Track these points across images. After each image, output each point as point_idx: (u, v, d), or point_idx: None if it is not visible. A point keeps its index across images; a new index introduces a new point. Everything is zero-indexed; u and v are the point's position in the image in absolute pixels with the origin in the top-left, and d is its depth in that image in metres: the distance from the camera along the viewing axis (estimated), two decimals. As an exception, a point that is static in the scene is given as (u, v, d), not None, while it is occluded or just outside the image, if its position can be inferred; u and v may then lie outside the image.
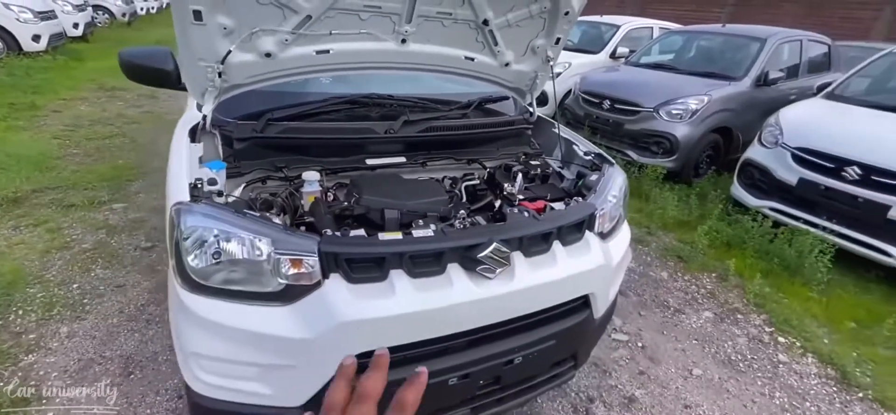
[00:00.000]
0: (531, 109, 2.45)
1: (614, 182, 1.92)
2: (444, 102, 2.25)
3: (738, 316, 2.98)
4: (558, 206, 1.78)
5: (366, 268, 1.31)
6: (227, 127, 1.76)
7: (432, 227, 1.46)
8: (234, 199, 1.51)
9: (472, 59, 2.15)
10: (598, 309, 1.79)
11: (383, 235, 1.37)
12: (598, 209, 1.74)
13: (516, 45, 2.18)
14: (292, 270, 1.26)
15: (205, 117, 1.73)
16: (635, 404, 2.26)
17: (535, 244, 1.56)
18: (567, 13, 2.05)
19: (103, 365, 2.21)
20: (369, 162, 1.92)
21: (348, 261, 1.29)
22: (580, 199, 1.85)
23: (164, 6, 19.65)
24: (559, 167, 2.26)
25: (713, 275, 3.42)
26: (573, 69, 6.96)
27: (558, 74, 6.95)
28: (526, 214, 1.65)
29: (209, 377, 1.31)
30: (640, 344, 2.66)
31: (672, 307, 3.02)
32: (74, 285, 2.72)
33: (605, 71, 6.40)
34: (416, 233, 1.40)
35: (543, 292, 1.53)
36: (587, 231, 1.71)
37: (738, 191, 4.25)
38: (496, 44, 2.11)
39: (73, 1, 10.40)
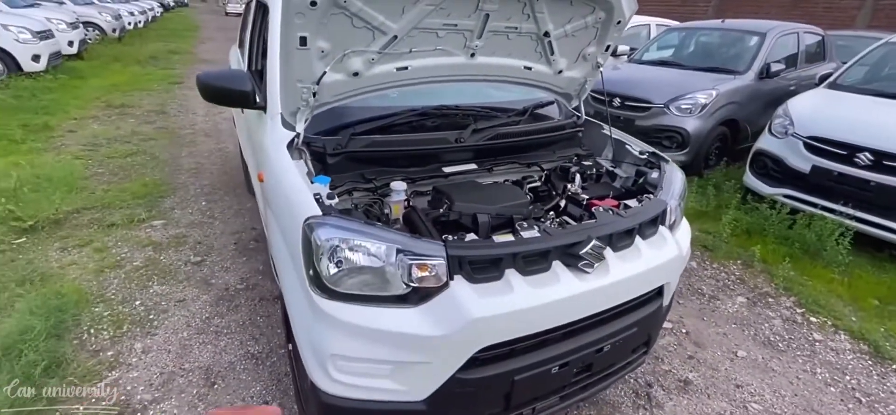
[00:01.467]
0: (579, 113, 2.59)
1: (676, 179, 2.06)
2: (501, 110, 2.38)
3: (770, 300, 3.16)
4: (632, 203, 1.92)
5: (485, 268, 1.43)
6: (316, 143, 1.86)
7: (536, 228, 1.59)
8: (344, 210, 1.62)
9: (530, 69, 2.28)
10: (668, 297, 1.94)
11: (498, 238, 1.49)
12: (669, 204, 1.88)
13: (570, 54, 2.32)
14: (419, 274, 1.37)
15: (297, 135, 1.83)
16: (691, 386, 2.41)
17: (622, 239, 1.69)
18: (619, 22, 2.19)
19: (185, 377, 2.29)
20: (445, 170, 2.03)
21: (471, 263, 1.41)
22: (647, 196, 1.99)
23: (151, 20, 19.46)
24: (611, 167, 2.40)
25: (739, 262, 3.59)
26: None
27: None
28: (610, 211, 1.78)
29: (344, 377, 1.41)
30: (684, 331, 2.82)
31: (707, 294, 3.19)
32: (137, 302, 2.79)
33: (611, 68, 6.58)
34: (525, 234, 1.53)
35: (631, 284, 1.67)
36: (660, 225, 1.85)
37: (751, 180, 4.44)
38: (553, 53, 2.25)
39: (66, 19, 10.30)
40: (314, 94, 1.79)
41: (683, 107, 5.11)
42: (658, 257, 1.75)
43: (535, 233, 1.54)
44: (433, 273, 1.37)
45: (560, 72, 2.38)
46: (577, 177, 2.22)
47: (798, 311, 3.04)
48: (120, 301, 2.79)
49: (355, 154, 1.88)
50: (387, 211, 1.77)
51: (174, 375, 2.30)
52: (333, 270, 1.36)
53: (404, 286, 1.38)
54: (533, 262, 1.50)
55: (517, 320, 1.43)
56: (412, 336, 1.35)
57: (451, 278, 1.40)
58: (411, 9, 1.75)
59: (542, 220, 1.75)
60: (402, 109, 2.12)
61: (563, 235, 1.55)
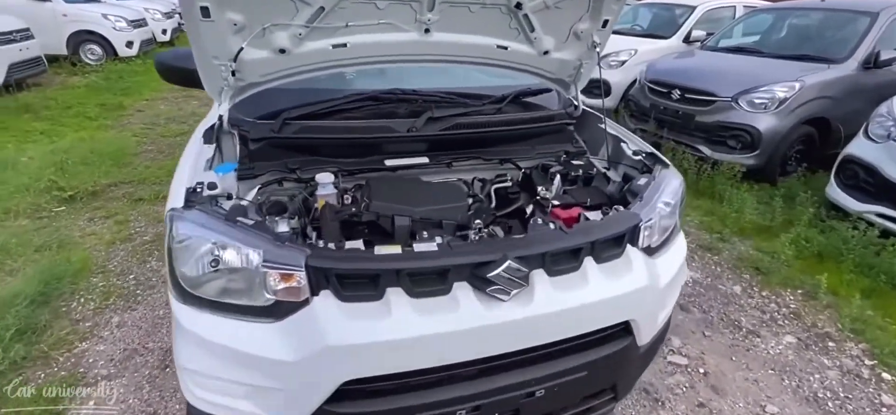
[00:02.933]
0: (576, 102, 2.19)
1: (667, 187, 1.64)
2: (477, 96, 2.07)
3: (830, 343, 2.52)
4: (595, 215, 1.55)
5: (359, 285, 1.18)
6: (244, 127, 1.71)
7: (438, 239, 1.31)
8: (242, 203, 1.45)
9: (506, 48, 1.95)
10: (643, 335, 1.54)
11: (380, 249, 1.23)
12: (644, 220, 1.48)
13: (557, 31, 1.95)
14: (282, 285, 1.16)
15: (220, 117, 1.69)
16: (690, 443, 1.96)
17: (562, 262, 1.35)
18: (614, -9, 1.78)
19: (144, 356, 2.30)
20: (389, 163, 1.79)
21: (339, 277, 1.17)
22: (616, 208, 1.60)
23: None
24: (605, 168, 2.00)
25: (798, 291, 2.93)
26: (640, 56, 6.42)
27: (622, 62, 6.53)
28: (552, 225, 1.44)
29: (203, 393, 1.25)
30: (701, 370, 2.32)
31: (744, 328, 2.62)
32: (131, 276, 2.89)
33: (676, 57, 5.82)
34: (418, 247, 1.25)
35: (571, 318, 1.32)
36: (629, 246, 1.46)
37: (835, 193, 3.63)
38: (533, 30, 1.89)
39: (161, 9, 11.38)
40: (234, 73, 1.63)
41: (756, 101, 4.32)
42: (617, 287, 1.37)
43: (431, 246, 1.26)
44: (296, 286, 1.15)
45: (546, 53, 2.01)
46: (557, 179, 1.86)
47: (866, 362, 2.39)
48: (117, 273, 2.91)
49: (282, 141, 1.70)
50: (316, 207, 1.57)
51: (135, 352, 2.32)
52: (188, 270, 1.19)
53: (267, 298, 1.18)
54: (426, 282, 1.22)
55: (397, 352, 1.17)
56: (259, 358, 1.15)
57: (316, 294, 1.17)
58: (336, -25, 1.52)
59: (468, 230, 1.45)
60: (348, 92, 1.91)
61: (469, 253, 1.25)
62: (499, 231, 1.42)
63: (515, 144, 2.03)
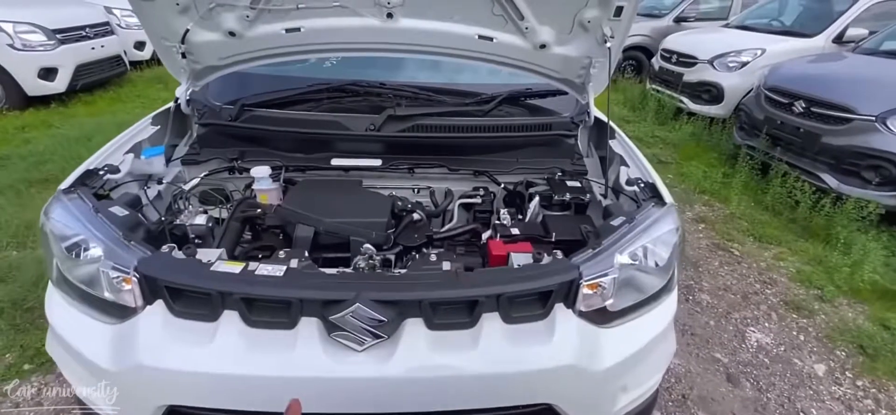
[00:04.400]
0: (588, 109, 1.79)
1: (648, 233, 1.21)
2: (459, 94, 1.79)
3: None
4: (540, 257, 1.19)
5: (193, 302, 1.04)
6: (199, 109, 1.68)
7: (294, 262, 1.10)
8: (131, 191, 1.39)
9: (490, 40, 1.63)
10: None
11: (221, 266, 1.07)
12: (586, 276, 1.10)
13: (555, 20, 1.58)
14: (125, 286, 1.07)
15: (177, 99, 1.67)
16: None
17: (451, 315, 1.05)
18: (625, -31, 1.37)
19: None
20: (336, 162, 1.62)
21: (169, 290, 1.03)
22: (555, 253, 1.23)
23: None
24: (602, 196, 1.59)
25: (920, 393, 2.11)
26: (768, 57, 5.29)
27: (743, 64, 5.46)
28: (446, 264, 1.13)
29: (77, 386, 1.22)
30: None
31: (812, 429, 1.96)
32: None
33: (811, 60, 4.68)
34: (261, 269, 1.06)
35: (450, 387, 1.03)
36: (560, 307, 1.10)
37: None
38: (522, 17, 1.55)
39: None
40: (184, 55, 1.59)
41: (916, 123, 3.26)
42: (523, 359, 1.04)
43: (277, 271, 1.05)
44: (130, 290, 1.05)
45: (543, 47, 1.64)
46: (534, 202, 1.53)
47: None
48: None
49: (227, 128, 1.63)
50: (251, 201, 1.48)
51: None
52: (57, 254, 1.16)
53: (107, 296, 1.10)
54: (268, 311, 1.03)
55: (221, 387, 1.01)
56: (81, 357, 1.07)
57: (149, 303, 1.05)
58: (275, -49, 1.38)
59: (365, 255, 1.21)
60: (313, 81, 1.76)
61: (316, 286, 1.02)
62: (390, 259, 1.16)
63: (497, 155, 1.71)
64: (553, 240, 1.36)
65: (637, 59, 7.83)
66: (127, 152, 1.45)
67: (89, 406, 1.19)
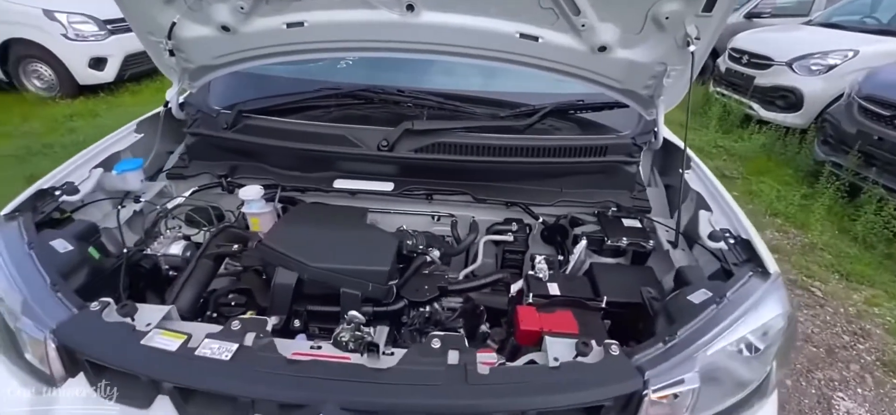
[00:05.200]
0: (656, 128, 1.42)
1: (750, 320, 0.86)
2: (493, 105, 1.47)
3: None
4: (586, 347, 0.87)
5: (121, 380, 0.80)
6: (190, 116, 1.45)
7: (249, 338, 0.83)
8: (84, 220, 1.17)
9: (535, 39, 1.30)
10: None
11: (156, 337, 0.81)
12: (656, 384, 0.77)
13: (623, 14, 1.23)
14: (49, 352, 0.84)
15: (167, 103, 1.45)
16: None
17: None
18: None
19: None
20: (339, 184, 1.35)
21: (91, 365, 0.79)
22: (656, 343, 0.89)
23: None
24: (670, 243, 1.23)
25: None
26: (861, 60, 4.58)
27: (830, 67, 4.76)
28: (453, 356, 0.82)
29: None
30: None
31: None
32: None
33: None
34: (204, 347, 0.79)
35: None
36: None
37: None
38: (577, 12, 1.21)
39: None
40: (172, 52, 1.36)
41: None
42: None
43: (223, 352, 0.78)
44: (47, 357, 0.82)
45: (603, 49, 1.29)
46: (581, 245, 1.19)
47: None
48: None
49: (217, 140, 1.39)
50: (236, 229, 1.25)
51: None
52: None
53: (27, 358, 0.88)
54: (212, 404, 0.76)
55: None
56: None
57: (72, 375, 0.82)
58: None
59: (352, 326, 0.92)
60: (321, 86, 1.50)
61: (268, 383, 0.75)
62: (442, 345, 0.85)
63: (536, 182, 1.38)
64: (603, 305, 1.03)
65: (700, 58, 7.17)
66: (95, 167, 1.25)
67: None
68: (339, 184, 1.36)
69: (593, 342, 0.87)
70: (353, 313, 0.93)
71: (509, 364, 0.87)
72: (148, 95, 5.83)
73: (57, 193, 1.14)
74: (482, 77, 1.60)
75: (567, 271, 1.22)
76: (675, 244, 1.21)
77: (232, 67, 1.48)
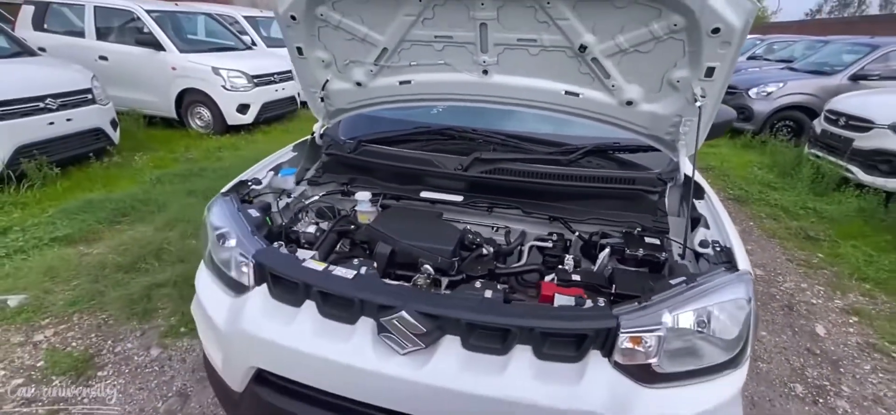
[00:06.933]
0: (678, 167, 1.75)
1: (712, 297, 1.16)
2: (544, 143, 1.90)
3: None
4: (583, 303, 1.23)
5: (284, 288, 1.32)
6: (327, 142, 2.07)
7: (363, 270, 1.31)
8: (266, 199, 1.77)
9: (576, 95, 1.73)
10: None
11: (309, 263, 1.33)
12: (627, 327, 1.11)
13: (643, 79, 1.62)
14: (241, 269, 1.40)
15: (313, 133, 2.09)
16: None
17: (486, 339, 1.15)
18: (716, 31, 1.38)
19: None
20: (424, 194, 1.84)
21: (272, 276, 1.33)
22: (599, 300, 1.25)
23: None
24: (678, 256, 1.53)
25: None
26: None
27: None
28: (488, 293, 1.23)
29: (205, 343, 1.59)
30: None
31: None
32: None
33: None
34: (336, 271, 1.29)
35: (472, 407, 1.12)
36: (596, 353, 1.12)
37: None
38: (607, 76, 1.63)
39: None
40: (322, 99, 2.00)
41: None
42: (548, 395, 1.08)
43: (347, 273, 1.27)
44: (246, 272, 1.38)
45: (630, 103, 1.68)
46: (605, 253, 1.55)
47: None
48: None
49: (343, 159, 1.98)
50: (349, 218, 1.80)
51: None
52: (209, 238, 1.57)
53: (232, 275, 1.44)
54: (335, 304, 1.25)
55: (292, 358, 1.25)
56: (209, 317, 1.42)
57: (258, 284, 1.36)
58: (393, 20, 1.70)
59: (425, 275, 1.38)
60: (418, 127, 2.05)
61: (373, 291, 1.21)
62: (482, 287, 1.30)
63: (574, 203, 1.76)
64: (613, 292, 1.37)
65: (797, 119, 6.88)
66: (269, 170, 1.88)
67: (212, 364, 1.55)
68: (424, 194, 1.85)
69: (588, 299, 1.23)
70: (427, 266, 1.39)
71: (524, 303, 1.26)
72: (276, 135, 7.05)
73: (249, 183, 1.77)
74: (538, 122, 2.04)
75: (593, 270, 1.57)
76: (682, 256, 1.51)
77: (359, 110, 2.09)
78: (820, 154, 5.43)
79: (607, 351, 1.13)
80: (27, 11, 6.63)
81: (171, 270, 3.10)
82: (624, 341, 1.12)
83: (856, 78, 6.60)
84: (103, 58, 6.37)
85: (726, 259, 1.30)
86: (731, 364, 1.19)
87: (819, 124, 5.71)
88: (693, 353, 1.16)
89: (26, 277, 3.00)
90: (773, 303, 3.22)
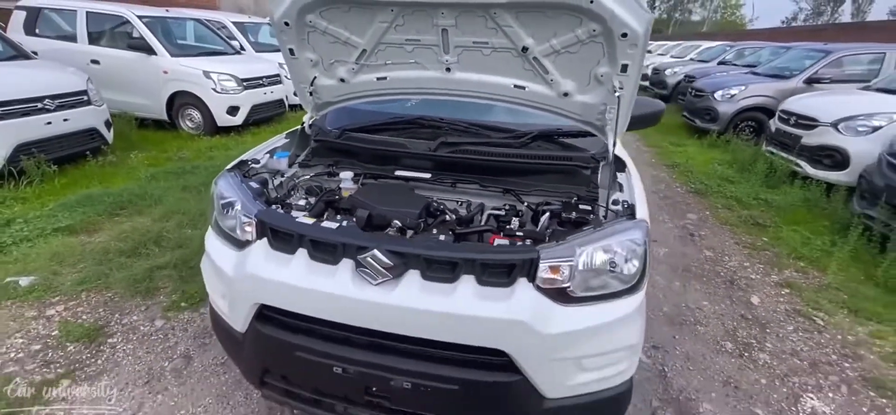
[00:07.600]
0: (608, 148, 2.10)
1: (614, 237, 1.51)
2: (499, 130, 2.25)
3: None
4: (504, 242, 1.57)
5: (281, 239, 1.63)
6: (315, 131, 2.38)
7: (344, 223, 1.63)
8: (263, 174, 2.09)
9: (523, 88, 2.08)
10: (546, 386, 1.48)
11: (300, 218, 1.65)
12: (546, 258, 1.44)
13: (575, 74, 1.97)
14: (248, 228, 1.71)
15: (303, 124, 2.41)
16: None
17: (438, 270, 1.48)
18: (625, 35, 1.73)
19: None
20: (398, 173, 2.17)
21: (271, 230, 1.64)
22: (527, 240, 1.60)
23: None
24: (603, 218, 1.88)
25: None
26: (906, 123, 4.78)
27: (875, 129, 4.94)
28: (442, 237, 1.56)
29: (213, 295, 1.90)
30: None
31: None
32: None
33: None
34: (324, 223, 1.61)
35: (429, 321, 1.44)
36: (523, 280, 1.46)
37: None
38: (546, 72, 1.98)
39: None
40: (311, 94, 2.32)
41: None
42: (484, 309, 1.41)
43: (331, 224, 1.59)
44: (250, 228, 1.69)
45: (566, 95, 2.03)
46: (545, 216, 1.89)
47: None
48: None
49: (330, 144, 2.30)
50: (334, 192, 2.12)
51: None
52: (216, 210, 1.87)
53: (239, 234, 1.75)
54: (322, 250, 1.57)
55: (289, 293, 1.56)
56: (221, 270, 1.72)
57: (260, 238, 1.67)
58: (371, 26, 2.03)
59: (394, 227, 1.71)
60: (395, 116, 2.39)
61: (351, 236, 1.54)
62: (438, 233, 1.65)
63: (524, 178, 2.10)
64: (545, 241, 1.70)
65: (758, 120, 7.37)
66: (266, 153, 2.20)
67: (218, 313, 1.85)
68: (398, 173, 2.17)
69: (518, 242, 1.58)
70: (396, 221, 1.72)
71: (470, 241, 1.59)
72: (264, 135, 7.26)
73: (249, 162, 2.08)
74: (495, 112, 2.38)
75: (536, 230, 1.90)
76: (606, 216, 1.86)
77: (343, 104, 2.41)
78: (774, 151, 5.89)
79: (532, 278, 1.46)
80: (19, 16, 6.81)
81: (171, 254, 3.37)
82: (544, 271, 1.45)
83: (810, 81, 7.10)
84: (95, 62, 6.58)
85: (630, 213, 1.65)
86: (630, 291, 1.53)
87: (774, 124, 6.17)
88: (601, 284, 1.50)
89: (34, 262, 3.24)
90: (717, 279, 3.59)
